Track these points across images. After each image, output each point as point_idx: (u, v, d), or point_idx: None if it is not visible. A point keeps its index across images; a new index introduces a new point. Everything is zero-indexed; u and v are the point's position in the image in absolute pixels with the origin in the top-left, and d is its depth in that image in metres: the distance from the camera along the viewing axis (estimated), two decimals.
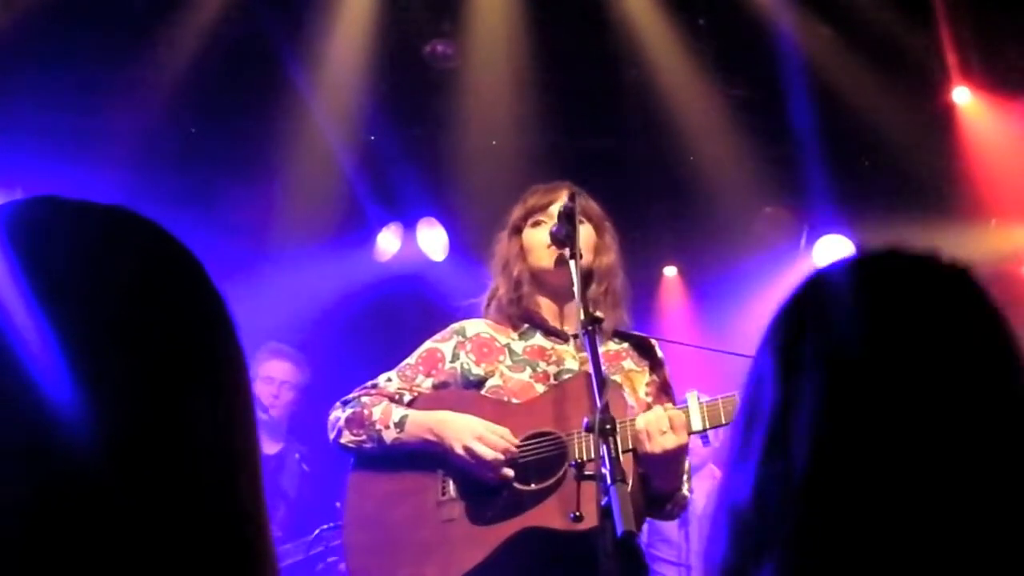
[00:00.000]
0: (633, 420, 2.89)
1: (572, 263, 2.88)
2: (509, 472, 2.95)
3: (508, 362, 3.16)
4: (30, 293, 0.86)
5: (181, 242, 0.99)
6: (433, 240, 6.66)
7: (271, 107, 6.05)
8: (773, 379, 1.06)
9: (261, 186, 6.37)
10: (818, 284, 1.12)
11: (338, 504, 4.12)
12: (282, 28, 5.75)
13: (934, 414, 1.00)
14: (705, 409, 2.85)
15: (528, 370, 3.14)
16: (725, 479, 1.09)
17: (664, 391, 3.21)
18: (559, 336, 3.21)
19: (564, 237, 2.97)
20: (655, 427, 2.83)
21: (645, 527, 3.67)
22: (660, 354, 3.28)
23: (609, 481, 2.34)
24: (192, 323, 0.95)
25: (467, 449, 2.94)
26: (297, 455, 5.14)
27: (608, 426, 2.44)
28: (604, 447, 2.41)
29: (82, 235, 0.93)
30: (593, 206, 3.21)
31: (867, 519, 0.99)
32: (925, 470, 0.98)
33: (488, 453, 2.93)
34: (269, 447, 5.19)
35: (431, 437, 3.02)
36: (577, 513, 2.75)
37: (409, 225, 6.71)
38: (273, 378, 5.32)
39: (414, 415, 3.06)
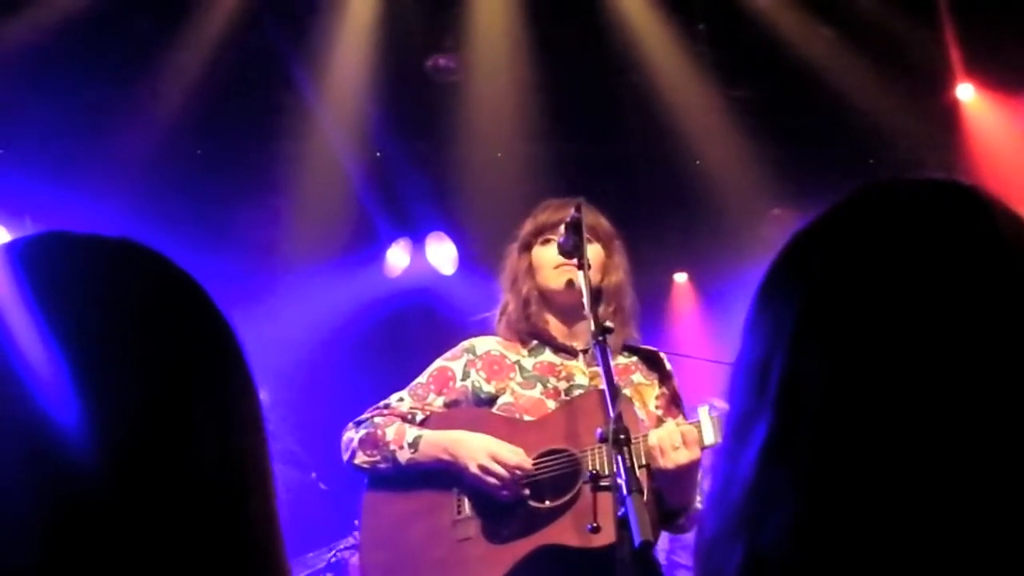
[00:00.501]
0: (646, 436, 2.88)
1: (580, 274, 2.87)
2: (524, 490, 2.95)
3: (519, 379, 3.16)
4: (45, 326, 0.89)
5: (186, 271, 1.00)
6: (442, 254, 6.66)
7: (277, 126, 6.08)
8: (803, 349, 0.87)
9: (269, 205, 6.39)
10: (849, 223, 0.92)
11: (356, 522, 4.13)
12: (286, 48, 5.78)
13: (957, 382, 0.82)
14: (717, 423, 2.84)
15: (539, 386, 3.13)
16: (722, 457, 0.93)
17: (674, 403, 3.20)
18: (568, 352, 3.20)
19: (572, 248, 2.96)
20: (668, 443, 2.82)
21: (664, 535, 3.66)
22: (669, 367, 3.27)
23: (625, 491, 2.33)
24: (198, 349, 0.97)
25: (482, 468, 2.94)
26: (313, 474, 5.14)
27: (623, 436, 2.43)
28: (619, 458, 2.40)
29: (93, 269, 0.95)
30: (603, 223, 3.20)
31: (883, 492, 0.82)
32: (949, 455, 0.81)
33: (502, 471, 2.93)
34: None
35: (445, 456, 3.02)
36: (594, 524, 2.74)
37: (418, 240, 6.72)
38: None
39: (428, 435, 3.07)
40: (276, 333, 6.23)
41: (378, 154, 6.34)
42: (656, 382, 3.21)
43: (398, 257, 6.74)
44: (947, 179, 0.92)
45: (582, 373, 3.16)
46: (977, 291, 0.83)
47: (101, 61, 5.58)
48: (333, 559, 4.68)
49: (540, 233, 3.19)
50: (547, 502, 2.93)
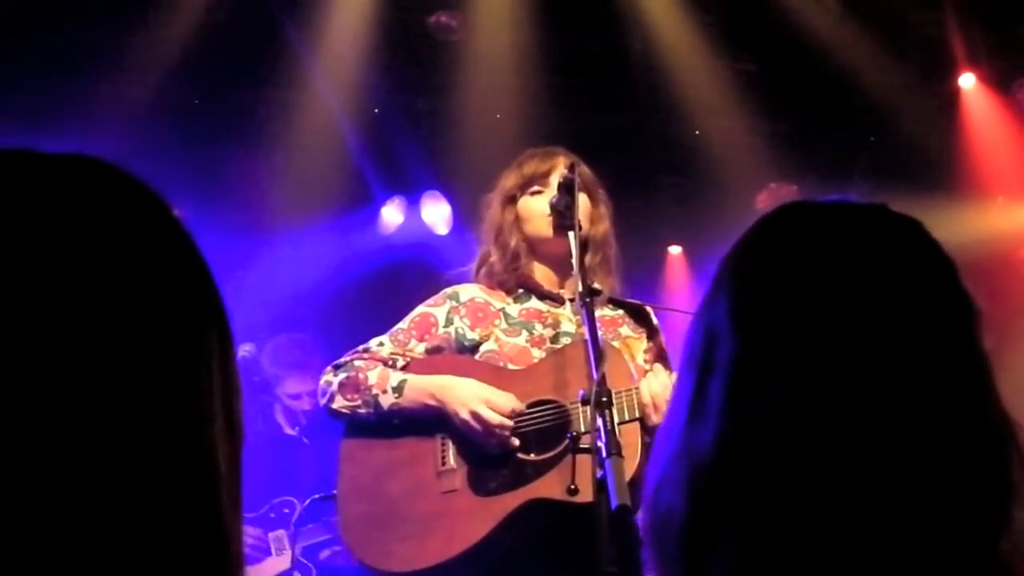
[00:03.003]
0: (638, 388, 2.85)
1: (571, 234, 2.85)
2: (514, 440, 2.91)
3: (504, 326, 3.11)
4: None
5: (152, 190, 0.90)
6: (437, 213, 6.64)
7: (275, 79, 6.02)
8: (729, 331, 1.07)
9: (264, 158, 6.35)
10: (770, 233, 1.13)
11: None
12: (285, 2, 5.72)
13: (902, 365, 1.02)
14: None
15: (524, 333, 3.09)
16: (678, 428, 1.10)
17: (662, 358, 3.18)
18: (555, 300, 3.17)
19: (564, 208, 2.94)
20: (662, 397, 2.80)
21: None
22: (656, 321, 3.25)
23: (604, 454, 2.31)
24: (171, 294, 0.87)
25: (473, 414, 2.88)
26: (296, 429, 5.13)
27: (604, 399, 2.41)
28: (600, 420, 2.38)
29: (33, 188, 0.84)
30: (587, 172, 3.15)
31: (842, 473, 1.00)
32: (891, 424, 1.01)
33: (495, 418, 2.87)
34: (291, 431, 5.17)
35: (432, 402, 2.96)
36: (573, 486, 2.72)
37: (413, 198, 6.69)
38: (300, 394, 5.13)
39: (413, 379, 3.00)
40: (267, 287, 6.22)
41: (376, 111, 6.29)
42: (644, 336, 3.19)
43: (392, 215, 6.72)
44: (855, 202, 1.15)
45: (569, 320, 3.13)
46: (866, 292, 1.05)
47: (99, 4, 5.51)
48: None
49: (528, 185, 3.16)
50: (534, 455, 2.89)
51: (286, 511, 4.80)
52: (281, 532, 4.72)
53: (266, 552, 4.71)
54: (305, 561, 4.68)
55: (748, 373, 1.05)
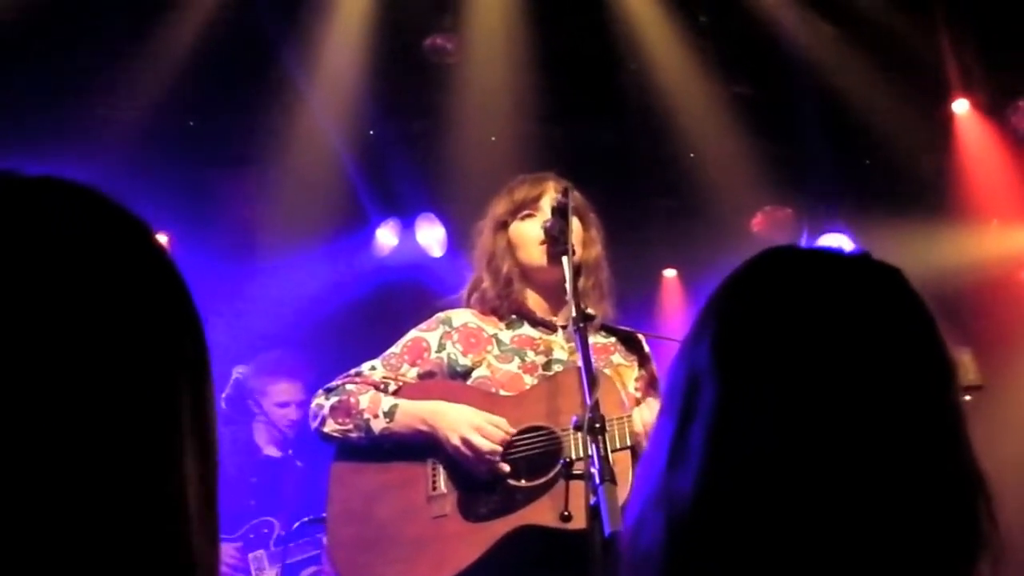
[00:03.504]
0: (630, 417, 2.85)
1: (565, 259, 2.84)
2: (505, 466, 2.90)
3: (496, 352, 3.11)
4: None
5: (129, 212, 0.88)
6: (432, 236, 6.63)
7: (270, 101, 6.02)
8: (711, 376, 1.09)
9: (259, 181, 6.34)
10: (754, 279, 1.16)
11: None
12: (280, 21, 5.72)
13: (878, 415, 1.05)
14: None
15: (516, 360, 3.09)
16: (658, 472, 1.11)
17: (653, 386, 3.18)
18: (547, 327, 3.17)
19: (558, 232, 2.94)
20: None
21: None
22: (647, 349, 3.25)
23: (598, 481, 2.31)
24: (157, 323, 0.85)
25: (464, 440, 2.88)
26: (290, 451, 5.11)
27: (597, 425, 2.41)
28: (593, 446, 2.38)
29: (4, 210, 0.83)
30: (578, 197, 3.16)
31: (819, 519, 1.02)
32: (865, 476, 1.03)
33: (486, 445, 2.87)
34: (272, 451, 5.15)
35: (423, 428, 2.96)
36: (566, 512, 2.71)
37: (408, 221, 6.69)
38: (288, 402, 5.12)
39: (405, 404, 3.00)
40: (261, 309, 6.21)
41: (371, 133, 6.29)
42: (635, 364, 3.19)
43: (387, 237, 6.71)
44: (838, 251, 1.19)
45: (561, 348, 3.13)
46: (846, 343, 1.07)
47: (94, 29, 5.52)
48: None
49: (519, 210, 3.16)
50: (524, 481, 2.89)
51: (265, 531, 4.80)
52: (261, 552, 4.72)
53: (246, 572, 4.70)
54: None
55: (730, 419, 1.07)
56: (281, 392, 5.10)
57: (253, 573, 4.69)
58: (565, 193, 2.98)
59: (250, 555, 4.69)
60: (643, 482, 1.13)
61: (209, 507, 0.88)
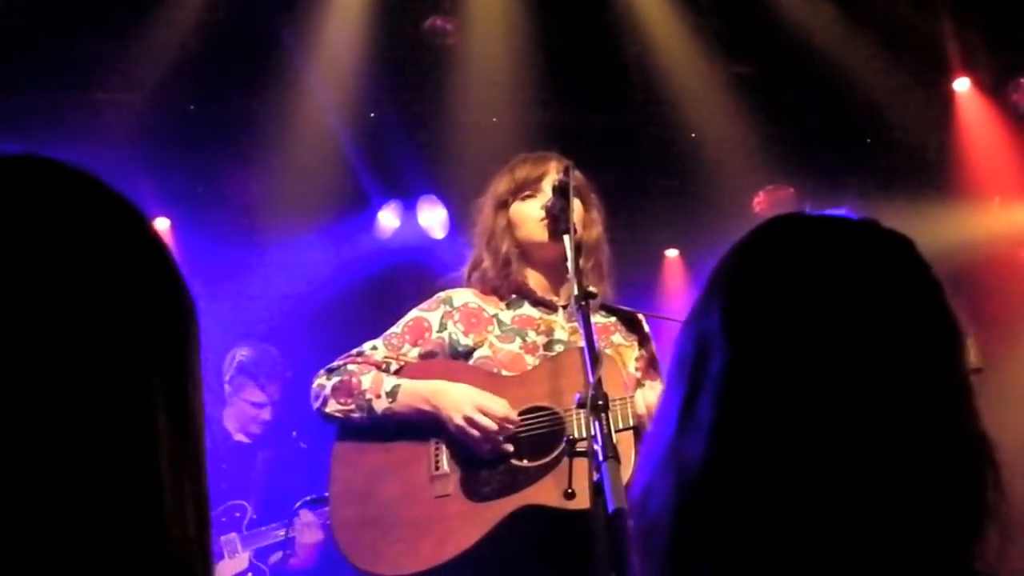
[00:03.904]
0: (632, 397, 2.85)
1: (567, 238, 2.84)
2: (508, 446, 2.90)
3: (497, 332, 3.11)
4: None
5: (119, 194, 0.86)
6: (433, 217, 6.63)
7: (270, 84, 6.01)
8: (721, 343, 1.09)
9: (260, 163, 6.34)
10: (762, 244, 1.15)
11: None
12: (280, 3, 5.71)
13: (886, 381, 1.05)
14: None
15: (517, 340, 3.09)
16: (666, 438, 1.11)
17: (652, 366, 3.18)
18: (548, 306, 3.16)
19: (559, 212, 2.93)
20: (656, 408, 2.79)
21: None
22: (647, 329, 3.24)
23: (601, 458, 2.31)
24: (142, 303, 0.84)
25: (468, 419, 2.88)
26: (294, 433, 5.11)
27: (600, 403, 2.41)
28: (596, 424, 2.38)
29: None
30: (580, 177, 3.13)
31: (827, 483, 1.02)
32: (872, 441, 1.03)
33: (489, 424, 2.87)
34: (241, 438, 5.14)
35: (426, 407, 2.96)
36: (570, 490, 2.71)
37: (409, 203, 6.68)
38: (257, 403, 5.08)
39: (407, 384, 3.00)
40: (263, 291, 6.21)
41: (372, 115, 6.28)
42: (635, 344, 3.19)
43: (389, 220, 6.71)
44: (846, 217, 1.18)
45: (562, 328, 3.12)
46: (854, 308, 1.07)
47: (93, 12, 5.50)
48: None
49: (520, 190, 3.15)
50: (526, 461, 2.89)
51: (237, 515, 4.81)
52: (233, 535, 4.74)
53: (219, 556, 4.71)
54: (259, 564, 4.69)
55: (739, 385, 1.07)
56: (259, 393, 5.08)
57: (225, 556, 4.69)
58: (566, 172, 2.96)
59: (222, 538, 4.69)
60: (651, 450, 1.14)
61: (189, 479, 0.85)
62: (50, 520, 0.75)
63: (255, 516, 4.79)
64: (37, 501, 0.74)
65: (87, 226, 0.83)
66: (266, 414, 5.06)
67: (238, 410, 5.10)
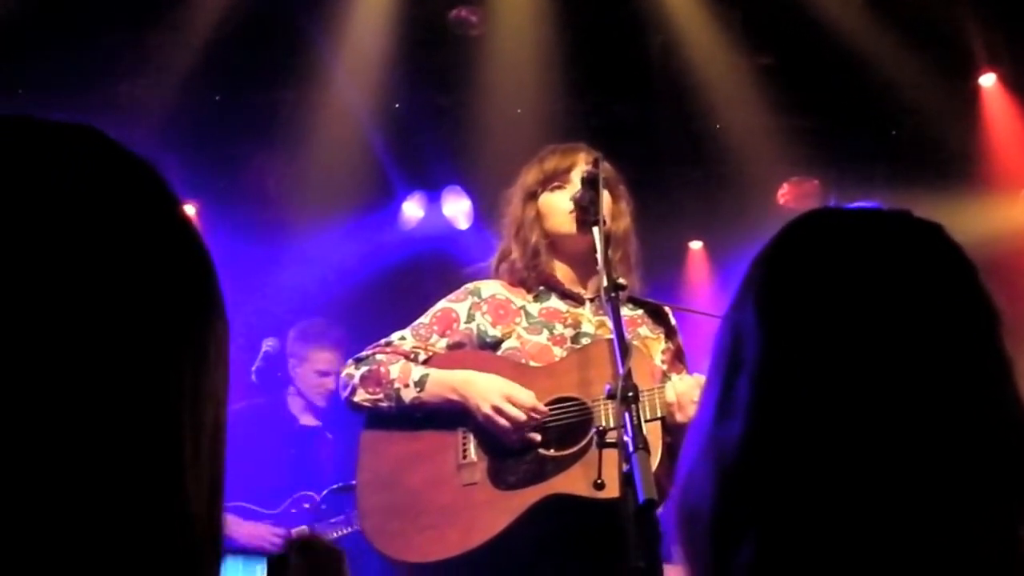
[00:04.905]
0: (662, 388, 2.86)
1: (596, 230, 2.84)
2: (536, 435, 2.92)
3: (524, 324, 3.11)
4: None
5: (153, 167, 0.84)
6: (458, 208, 6.64)
7: (295, 76, 6.03)
8: (756, 330, 1.10)
9: (286, 155, 6.36)
10: (796, 236, 1.16)
11: None
12: None
13: (923, 359, 1.06)
14: None
15: (545, 332, 3.09)
16: (706, 424, 1.13)
17: (679, 359, 3.18)
18: (575, 299, 3.17)
19: (588, 203, 2.93)
20: (687, 397, 2.80)
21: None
22: (674, 321, 3.25)
23: (631, 449, 2.32)
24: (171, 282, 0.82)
25: (496, 409, 2.89)
26: (320, 423, 5.13)
27: (630, 393, 2.42)
28: (626, 415, 2.38)
29: (21, 156, 0.80)
30: (609, 168, 3.13)
31: (866, 461, 1.03)
32: (912, 420, 1.04)
33: (518, 414, 2.88)
34: (308, 420, 5.15)
35: (455, 397, 2.97)
36: (599, 480, 2.72)
37: (434, 194, 6.70)
38: (329, 371, 5.03)
39: (435, 374, 3.02)
40: (289, 282, 6.24)
41: (397, 107, 6.29)
42: (662, 336, 3.19)
43: (413, 210, 6.73)
44: (879, 208, 1.20)
45: (589, 321, 3.13)
46: (889, 295, 1.08)
47: (119, 4, 5.53)
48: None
49: (549, 181, 3.15)
50: (554, 450, 2.90)
51: (306, 506, 4.78)
52: (304, 528, 4.71)
53: None
54: None
55: (774, 369, 1.08)
56: (323, 360, 5.04)
57: None
58: (596, 164, 2.96)
59: (294, 531, 4.66)
60: (693, 436, 1.15)
61: (209, 459, 0.84)
62: (64, 499, 0.74)
63: (324, 507, 4.73)
64: (50, 479, 0.74)
65: (116, 198, 0.81)
66: (331, 383, 4.96)
67: (304, 384, 5.06)
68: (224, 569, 0.94)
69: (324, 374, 5.04)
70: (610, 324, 2.67)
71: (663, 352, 3.16)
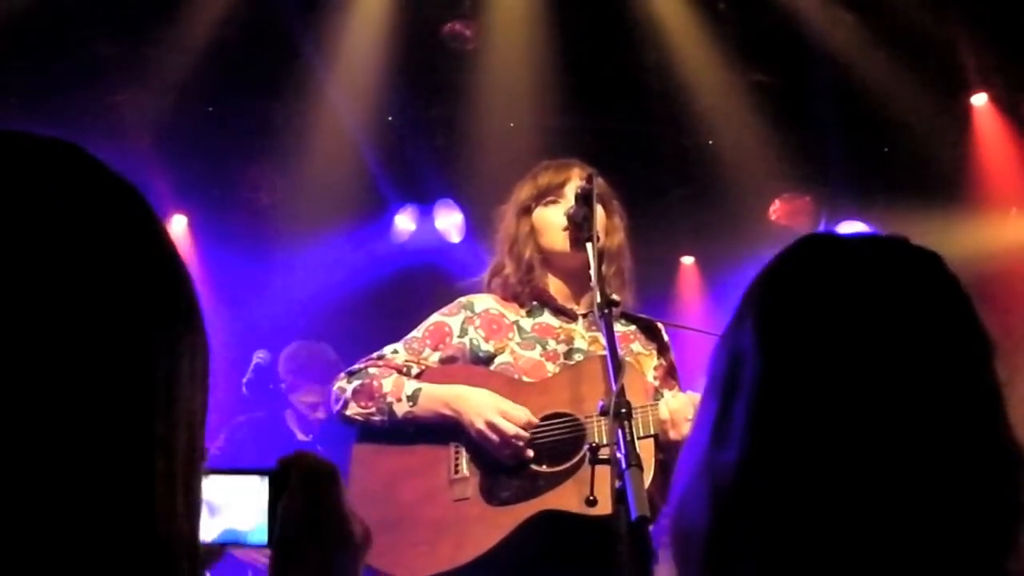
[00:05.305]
0: (655, 405, 2.85)
1: (589, 246, 2.84)
2: (529, 451, 2.91)
3: (517, 339, 3.10)
4: None
5: (130, 184, 0.85)
6: (450, 221, 6.65)
7: (289, 88, 6.04)
8: (754, 356, 1.11)
9: (279, 167, 6.36)
10: (795, 262, 1.18)
11: None
12: (299, 6, 5.73)
13: (917, 386, 1.07)
14: None
15: (538, 348, 3.09)
16: (702, 446, 1.13)
17: (671, 375, 3.18)
18: (568, 315, 3.16)
19: (581, 219, 2.93)
20: (681, 415, 2.80)
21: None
22: (666, 338, 3.24)
23: (624, 465, 2.31)
24: (147, 294, 0.82)
25: (490, 424, 2.88)
26: (310, 436, 5.12)
27: (623, 410, 2.41)
28: (619, 431, 2.38)
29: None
30: (602, 184, 3.11)
31: (860, 488, 1.04)
32: (905, 447, 1.05)
33: (511, 429, 2.87)
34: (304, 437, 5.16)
35: (447, 412, 2.96)
36: (591, 497, 2.71)
37: (426, 207, 6.70)
38: (318, 404, 5.08)
39: (428, 388, 3.00)
40: (281, 294, 6.23)
41: (389, 119, 6.30)
42: (654, 352, 3.19)
43: (405, 223, 6.73)
44: (875, 235, 1.21)
45: (582, 337, 3.12)
46: (884, 322, 1.09)
47: (113, 16, 5.53)
48: None
49: (543, 196, 3.14)
50: (546, 467, 2.90)
51: None
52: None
53: None
54: None
55: (772, 395, 1.09)
56: (312, 394, 5.08)
57: None
58: (589, 180, 2.96)
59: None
60: (688, 456, 1.16)
61: (182, 473, 0.84)
62: (37, 506, 0.74)
63: None
64: (23, 487, 0.74)
65: (94, 214, 0.82)
66: (320, 414, 5.03)
67: (296, 411, 5.12)
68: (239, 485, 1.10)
69: (312, 407, 5.09)
70: (603, 340, 2.66)
71: (655, 368, 3.16)
